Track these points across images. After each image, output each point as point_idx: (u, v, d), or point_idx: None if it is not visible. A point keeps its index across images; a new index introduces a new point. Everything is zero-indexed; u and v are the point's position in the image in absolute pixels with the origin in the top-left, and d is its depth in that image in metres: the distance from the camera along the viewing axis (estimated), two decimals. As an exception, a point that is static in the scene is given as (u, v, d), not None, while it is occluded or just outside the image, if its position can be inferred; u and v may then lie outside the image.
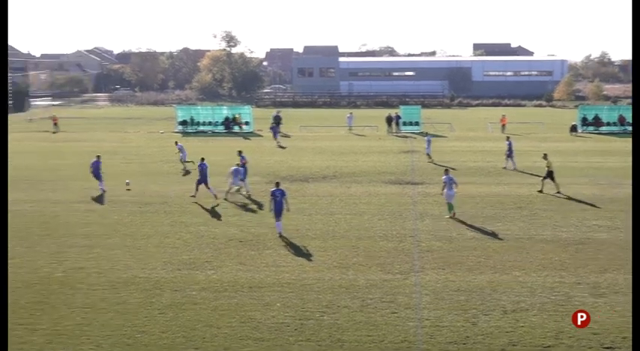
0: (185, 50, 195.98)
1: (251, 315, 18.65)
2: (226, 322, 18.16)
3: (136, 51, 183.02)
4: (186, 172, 42.57)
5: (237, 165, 35.50)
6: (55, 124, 75.43)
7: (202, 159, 34.61)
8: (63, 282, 21.21)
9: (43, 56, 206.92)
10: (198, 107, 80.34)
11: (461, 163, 45.49)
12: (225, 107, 77.57)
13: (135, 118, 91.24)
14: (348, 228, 27.89)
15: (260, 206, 31.74)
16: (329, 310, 18.94)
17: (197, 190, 34.18)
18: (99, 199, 33.86)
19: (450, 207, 29.69)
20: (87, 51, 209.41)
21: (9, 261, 23.13)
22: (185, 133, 68.90)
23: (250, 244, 25.50)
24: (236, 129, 68.89)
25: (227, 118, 70.10)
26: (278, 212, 26.81)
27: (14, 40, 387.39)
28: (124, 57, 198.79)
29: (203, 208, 31.92)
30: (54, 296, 20.05)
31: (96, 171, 36.20)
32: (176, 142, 46.44)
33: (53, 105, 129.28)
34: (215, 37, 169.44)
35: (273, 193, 26.95)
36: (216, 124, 70.42)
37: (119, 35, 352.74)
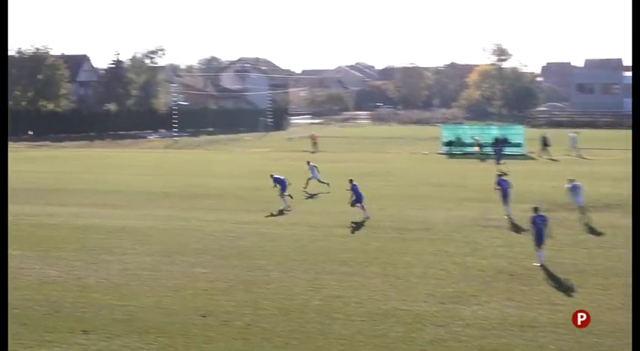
0: (452, 65, 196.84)
1: (521, 358, 18.23)
2: (493, 364, 17.87)
3: (399, 66, 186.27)
4: (310, 196, 43.89)
5: (570, 180, 36.04)
6: (314, 143, 78.50)
7: (351, 180, 36.77)
8: (320, 311, 21.86)
9: (304, 72, 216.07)
10: (465, 127, 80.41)
11: None
12: (494, 127, 77.01)
13: (397, 138, 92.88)
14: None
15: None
16: (612, 358, 18.09)
17: (363, 208, 36.26)
18: (359, 224, 34.70)
19: None
20: (348, 67, 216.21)
21: (266, 287, 24.28)
22: (450, 155, 69.07)
23: (521, 278, 24.97)
24: (508, 150, 67.25)
25: (496, 139, 69.28)
26: (539, 240, 26.31)
27: (275, 56, 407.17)
28: (387, 73, 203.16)
29: (469, 236, 31.77)
30: (310, 325, 20.71)
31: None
32: (308, 162, 47.52)
33: (312, 123, 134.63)
34: (484, 50, 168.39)
35: (533, 220, 26.50)
36: (484, 146, 70.04)
37: (381, 50, 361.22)
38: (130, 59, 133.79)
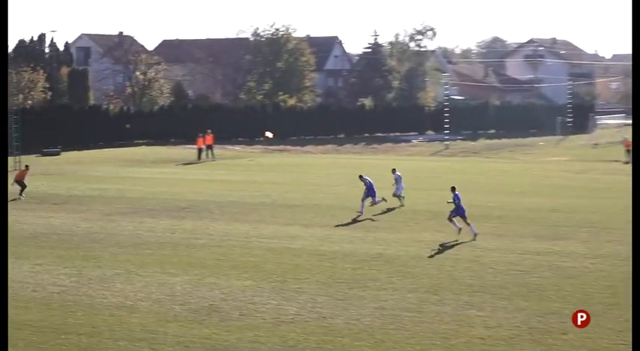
0: None
1: None
2: None
3: None
4: (389, 209, 45.36)
5: None
6: (629, 150, 76.38)
7: (454, 189, 38.70)
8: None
9: (616, 58, 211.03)
10: None
11: None
12: None
13: None
14: None
15: None
16: None
17: (468, 224, 37.82)
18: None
19: None
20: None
21: (562, 338, 23.83)
22: None
23: None
24: None
25: None
26: None
27: (577, 37, 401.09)
28: None
29: None
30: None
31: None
32: (394, 170, 48.08)
33: (627, 124, 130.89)
34: None
35: None
36: None
37: None
38: (391, 42, 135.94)
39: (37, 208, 47.88)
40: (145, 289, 28.85)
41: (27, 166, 55.92)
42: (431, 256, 34.41)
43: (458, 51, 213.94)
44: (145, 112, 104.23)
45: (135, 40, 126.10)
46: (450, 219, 38.79)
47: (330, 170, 70.63)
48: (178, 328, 24.30)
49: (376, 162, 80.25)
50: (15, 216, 44.59)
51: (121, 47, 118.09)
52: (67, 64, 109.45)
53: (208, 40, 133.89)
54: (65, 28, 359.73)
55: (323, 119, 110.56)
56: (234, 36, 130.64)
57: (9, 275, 30.53)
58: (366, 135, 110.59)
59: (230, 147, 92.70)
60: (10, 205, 48.64)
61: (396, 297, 28.03)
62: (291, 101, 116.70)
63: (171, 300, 27.51)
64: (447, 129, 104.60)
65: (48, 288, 29.23)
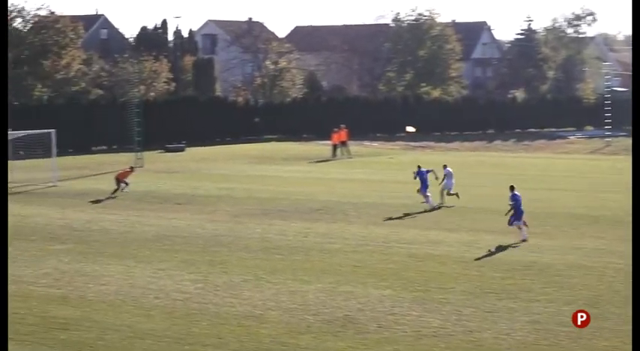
0: None
1: None
2: None
3: None
4: (435, 208, 46.78)
5: None
6: None
7: (512, 188, 39.28)
8: None
9: None
10: None
11: None
12: None
13: None
14: None
15: None
16: None
17: (520, 227, 37.94)
18: None
19: None
20: None
21: None
22: None
23: None
24: None
25: None
26: None
27: None
28: None
29: None
30: None
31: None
32: (445, 166, 48.95)
33: None
34: None
35: None
36: None
37: None
38: (546, 28, 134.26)
39: (160, 209, 48.68)
40: (275, 298, 29.08)
41: (132, 168, 57.15)
42: (590, 265, 33.92)
43: (621, 37, 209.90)
44: (276, 104, 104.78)
45: (265, 27, 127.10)
46: (510, 223, 39.01)
47: (478, 169, 70.01)
48: (311, 340, 24.43)
49: (530, 160, 79.48)
50: (136, 217, 45.53)
51: (250, 34, 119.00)
52: (191, 53, 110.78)
53: (344, 26, 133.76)
54: (190, 14, 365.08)
55: (470, 113, 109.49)
56: (372, 22, 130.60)
57: (130, 281, 31.27)
58: (518, 130, 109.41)
59: (367, 143, 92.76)
60: (129, 204, 49.73)
61: (550, 310, 27.74)
62: (435, 93, 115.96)
63: (304, 310, 27.67)
64: (608, 124, 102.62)
65: (171, 295, 29.67)
